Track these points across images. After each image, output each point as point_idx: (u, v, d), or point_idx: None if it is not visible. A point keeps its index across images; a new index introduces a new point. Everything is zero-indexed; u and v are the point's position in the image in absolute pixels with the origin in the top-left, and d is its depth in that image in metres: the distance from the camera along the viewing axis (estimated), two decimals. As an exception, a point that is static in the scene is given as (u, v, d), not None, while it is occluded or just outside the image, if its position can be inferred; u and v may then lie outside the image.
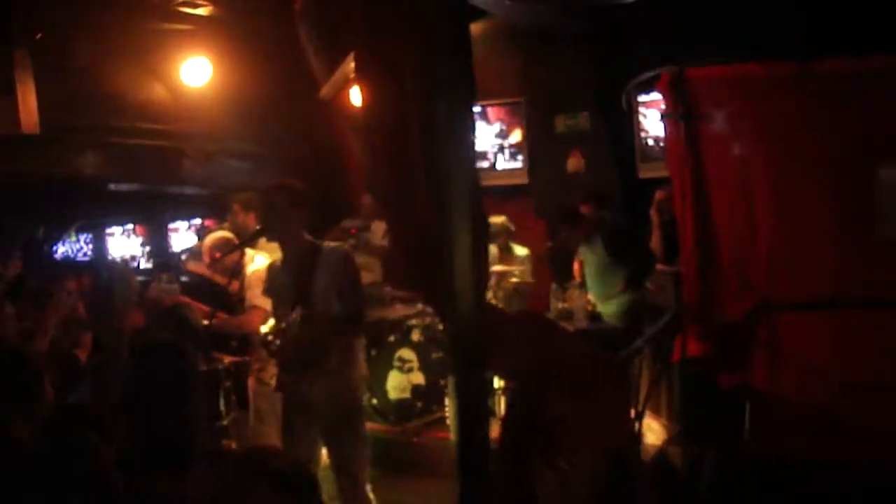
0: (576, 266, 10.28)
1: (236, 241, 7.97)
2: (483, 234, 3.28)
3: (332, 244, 6.67)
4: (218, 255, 7.81)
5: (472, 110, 3.37)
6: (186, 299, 8.01)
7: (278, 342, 6.54)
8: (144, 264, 17.33)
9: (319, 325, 6.30)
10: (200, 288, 8.40)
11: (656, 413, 8.60)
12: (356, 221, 11.15)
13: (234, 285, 7.81)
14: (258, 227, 7.08)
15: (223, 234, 8.27)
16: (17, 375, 4.26)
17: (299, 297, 6.42)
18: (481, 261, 3.25)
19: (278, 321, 6.73)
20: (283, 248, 6.65)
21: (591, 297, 9.57)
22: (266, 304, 7.32)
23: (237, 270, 7.74)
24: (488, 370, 3.38)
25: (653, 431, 8.45)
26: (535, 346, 3.39)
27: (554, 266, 10.52)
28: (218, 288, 8.22)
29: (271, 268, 6.86)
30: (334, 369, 6.41)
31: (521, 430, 3.43)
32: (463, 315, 3.17)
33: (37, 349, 6.74)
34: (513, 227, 10.35)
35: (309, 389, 6.44)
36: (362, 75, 3.67)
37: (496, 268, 9.52)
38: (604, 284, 9.48)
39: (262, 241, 7.27)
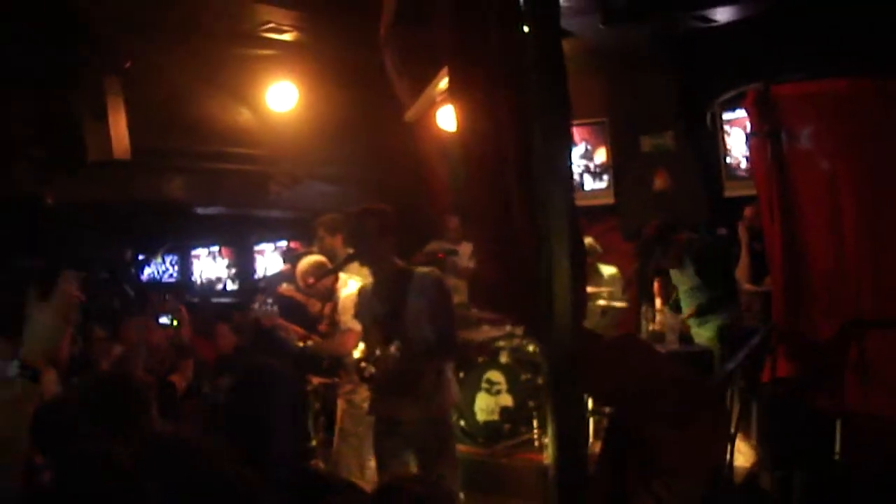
0: (656, 286, 10.22)
1: (328, 266, 8.02)
2: (580, 258, 3.27)
3: (424, 269, 6.69)
4: (311, 280, 7.85)
5: (568, 131, 3.36)
6: (283, 322, 8.10)
7: (371, 369, 6.57)
8: (230, 286, 17.49)
9: (412, 352, 6.33)
10: (291, 310, 8.46)
11: (746, 435, 8.51)
12: (443, 244, 11.18)
13: (327, 308, 7.86)
14: (350, 252, 7.11)
15: (316, 258, 8.31)
16: (123, 401, 4.31)
17: (391, 323, 6.45)
18: (579, 284, 3.24)
19: (369, 346, 6.76)
20: (374, 272, 6.67)
21: (686, 318, 9.50)
22: (359, 326, 7.36)
23: (330, 294, 7.79)
24: (585, 394, 3.37)
25: (742, 454, 8.35)
26: (632, 370, 3.37)
27: (640, 287, 10.47)
28: (309, 311, 8.29)
29: (362, 291, 6.89)
30: (427, 393, 6.43)
31: (618, 454, 3.42)
32: (560, 339, 3.17)
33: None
34: (600, 248, 10.30)
35: (401, 413, 6.46)
36: (456, 98, 3.68)
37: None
38: (696, 306, 9.42)
39: (355, 265, 7.30)
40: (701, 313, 9.31)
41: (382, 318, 6.50)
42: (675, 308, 9.63)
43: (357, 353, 7.23)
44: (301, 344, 7.94)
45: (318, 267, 8.06)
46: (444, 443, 6.63)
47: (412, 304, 6.42)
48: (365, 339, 6.89)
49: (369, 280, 6.86)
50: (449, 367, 6.83)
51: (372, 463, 7.51)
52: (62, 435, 4.22)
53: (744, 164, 11.05)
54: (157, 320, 10.04)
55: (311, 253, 8.67)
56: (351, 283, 7.75)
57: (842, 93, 6.37)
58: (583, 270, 3.32)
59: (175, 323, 9.82)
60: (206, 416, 7.81)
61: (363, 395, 7.52)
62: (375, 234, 6.48)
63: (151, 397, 4.54)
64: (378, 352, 6.47)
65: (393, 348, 6.34)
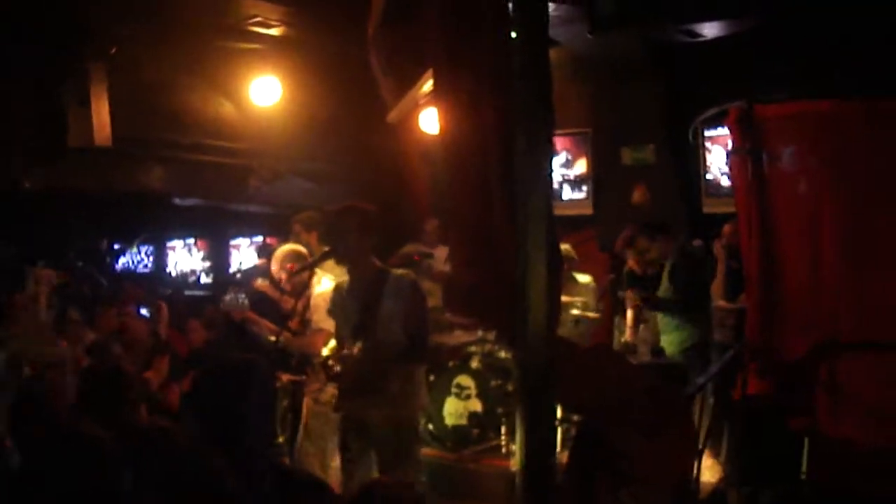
0: (628, 295, 10.22)
1: (306, 255, 8.00)
2: (557, 265, 3.28)
3: (400, 272, 6.69)
4: (290, 266, 7.82)
5: (550, 139, 3.37)
6: (254, 316, 8.06)
7: (338, 367, 6.56)
8: (205, 279, 17.42)
9: (381, 353, 6.32)
10: (264, 307, 8.43)
11: (713, 451, 8.53)
12: (419, 246, 11.17)
13: (300, 305, 7.82)
14: (326, 250, 7.09)
15: (293, 247, 8.27)
16: (113, 392, 4.31)
17: (363, 322, 6.44)
18: (554, 292, 3.25)
19: (339, 343, 6.76)
20: (351, 271, 6.66)
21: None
22: (331, 326, 7.35)
23: (304, 290, 7.75)
24: (556, 402, 3.38)
25: (709, 469, 8.38)
26: (604, 379, 3.38)
27: (614, 298, 10.48)
28: (282, 308, 8.25)
29: (337, 289, 6.87)
30: (395, 395, 6.42)
31: (586, 463, 3.43)
32: (534, 345, 3.17)
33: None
34: (576, 257, 10.30)
35: (368, 413, 6.45)
36: (441, 100, 3.68)
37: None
38: (665, 316, 9.45)
39: (330, 263, 7.28)
40: (667, 310, 9.35)
41: (355, 317, 6.49)
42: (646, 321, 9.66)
43: (325, 351, 7.23)
44: (273, 339, 7.90)
45: (296, 256, 8.03)
46: (409, 446, 6.62)
47: (386, 305, 6.42)
48: (336, 338, 6.88)
49: (345, 279, 6.84)
50: (420, 371, 6.82)
51: (335, 462, 7.50)
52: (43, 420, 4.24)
53: (723, 181, 11.08)
54: (139, 311, 9.99)
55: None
56: (325, 282, 7.72)
57: (825, 113, 6.39)
58: (559, 278, 3.33)
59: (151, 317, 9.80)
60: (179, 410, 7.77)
61: (329, 394, 7.49)
62: (355, 232, 6.46)
63: (139, 391, 4.56)
64: (346, 350, 6.48)
65: (356, 349, 6.34)
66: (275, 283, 8.28)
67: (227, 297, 8.18)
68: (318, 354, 7.55)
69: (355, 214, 6.53)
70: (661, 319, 9.51)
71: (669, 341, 9.39)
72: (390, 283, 6.48)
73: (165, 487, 3.16)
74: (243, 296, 8.17)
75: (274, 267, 8.11)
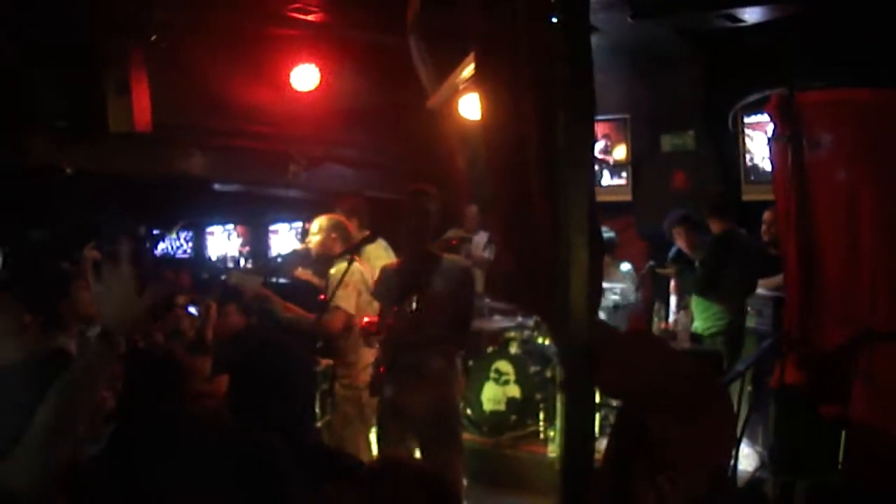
0: (672, 284, 10.22)
1: (345, 224, 8.07)
2: (598, 251, 3.28)
3: (453, 257, 6.73)
4: (335, 235, 7.89)
5: (592, 124, 3.37)
6: (267, 292, 8.09)
7: (380, 336, 6.63)
8: (244, 265, 17.50)
9: (429, 339, 6.36)
10: (303, 295, 8.46)
11: (751, 439, 8.51)
12: (459, 232, 11.19)
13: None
14: (367, 234, 7.15)
15: (334, 217, 8.34)
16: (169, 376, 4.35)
17: (410, 307, 6.48)
18: (595, 277, 3.25)
19: (383, 318, 6.80)
20: (405, 253, 6.72)
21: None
22: (350, 307, 7.40)
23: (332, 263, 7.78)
24: (596, 387, 3.38)
25: (746, 458, 8.36)
26: (644, 365, 3.38)
27: (654, 284, 10.48)
28: (319, 293, 8.29)
29: (385, 270, 6.92)
30: (435, 379, 6.46)
31: (625, 448, 3.43)
32: (575, 331, 3.18)
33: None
34: (617, 242, 10.32)
35: (409, 398, 6.49)
36: (481, 86, 3.68)
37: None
38: (696, 298, 9.46)
39: (369, 248, 7.31)
40: (695, 289, 9.36)
41: (403, 298, 6.54)
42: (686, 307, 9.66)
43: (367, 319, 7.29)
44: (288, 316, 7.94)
45: (337, 223, 8.12)
46: (451, 430, 6.67)
47: (436, 287, 6.46)
48: (381, 317, 6.92)
49: (389, 261, 6.92)
50: (458, 354, 6.86)
51: (371, 447, 7.56)
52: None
53: (764, 168, 11.02)
54: (188, 308, 10.00)
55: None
56: (355, 265, 7.77)
57: (865, 102, 6.34)
58: (600, 263, 3.33)
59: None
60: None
61: (362, 379, 7.55)
62: (423, 213, 6.54)
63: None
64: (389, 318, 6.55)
65: (409, 304, 6.41)
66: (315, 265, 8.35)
67: (235, 276, 8.23)
68: (336, 334, 7.60)
69: (430, 196, 6.60)
70: (693, 301, 9.53)
71: (696, 325, 9.41)
72: (443, 267, 6.53)
73: (221, 470, 3.19)
74: (283, 280, 8.21)
75: (320, 237, 8.14)
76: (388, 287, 6.79)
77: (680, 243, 9.96)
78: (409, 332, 6.47)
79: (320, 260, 8.21)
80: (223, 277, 9.08)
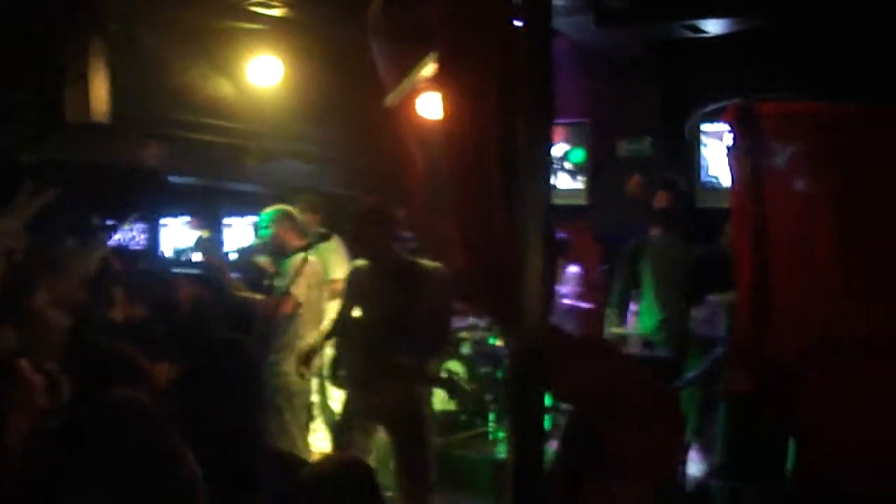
0: None
1: (295, 216, 8.24)
2: (553, 254, 3.29)
3: (430, 264, 6.76)
4: (287, 225, 7.95)
5: (550, 128, 3.38)
6: (224, 266, 8.13)
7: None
8: (197, 257, 17.39)
9: (415, 346, 6.45)
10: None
11: (700, 445, 8.56)
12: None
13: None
14: (324, 231, 7.19)
15: (283, 207, 8.45)
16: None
17: (398, 318, 6.53)
18: (549, 280, 3.26)
19: (344, 324, 6.86)
20: (377, 264, 6.76)
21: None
22: (301, 296, 7.44)
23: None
24: (547, 390, 3.39)
25: (695, 464, 8.42)
26: (595, 370, 3.39)
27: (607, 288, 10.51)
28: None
29: (356, 272, 6.95)
30: (413, 378, 6.55)
31: (575, 452, 3.44)
32: (528, 333, 3.18)
33: None
34: (570, 244, 10.36)
35: (382, 397, 6.58)
36: (443, 86, 3.68)
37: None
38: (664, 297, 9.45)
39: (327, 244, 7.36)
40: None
41: (384, 306, 6.60)
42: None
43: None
44: (240, 294, 7.98)
45: (287, 215, 8.19)
46: (424, 430, 6.77)
47: (420, 297, 6.53)
48: (343, 319, 6.97)
49: (357, 263, 6.96)
50: (436, 358, 6.99)
51: (312, 439, 7.64)
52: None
53: (718, 177, 11.10)
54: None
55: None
56: (311, 259, 7.81)
57: (823, 115, 6.39)
58: (554, 266, 3.34)
59: None
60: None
61: (290, 365, 7.59)
62: (375, 229, 6.60)
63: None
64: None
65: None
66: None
67: (203, 247, 8.24)
68: (279, 322, 7.65)
69: (373, 212, 6.65)
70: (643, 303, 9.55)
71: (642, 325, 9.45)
72: (423, 277, 6.58)
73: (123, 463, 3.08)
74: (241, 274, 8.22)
75: (272, 230, 8.16)
76: (362, 293, 6.85)
77: (662, 202, 9.94)
78: (388, 334, 6.52)
79: (275, 252, 8.22)
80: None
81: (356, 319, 6.91)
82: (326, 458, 4.62)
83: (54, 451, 3.39)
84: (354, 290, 6.98)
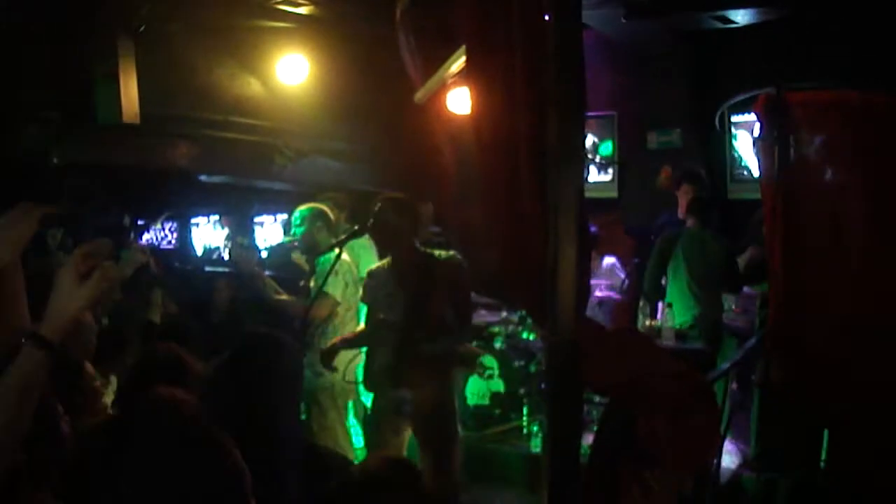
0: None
1: (328, 213, 8.31)
2: (586, 247, 3.29)
3: (447, 255, 6.77)
4: (319, 224, 7.98)
5: (582, 121, 3.38)
6: (261, 272, 8.15)
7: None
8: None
9: (437, 337, 6.47)
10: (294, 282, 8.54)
11: (735, 437, 8.55)
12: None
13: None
14: (355, 228, 7.19)
15: (317, 205, 8.44)
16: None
17: (416, 310, 6.56)
18: (583, 273, 3.27)
19: (375, 327, 6.88)
20: (393, 257, 6.77)
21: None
22: (338, 295, 7.45)
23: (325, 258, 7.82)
24: (583, 383, 3.39)
25: (730, 455, 8.40)
26: (629, 362, 3.39)
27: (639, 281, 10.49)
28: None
29: (373, 273, 6.96)
30: (437, 372, 6.56)
31: (611, 445, 3.44)
32: (562, 326, 3.19)
33: None
34: (602, 237, 10.34)
35: (414, 391, 6.58)
36: (473, 80, 3.69)
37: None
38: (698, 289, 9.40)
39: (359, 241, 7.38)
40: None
41: (405, 302, 6.61)
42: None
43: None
44: (278, 297, 8.01)
45: (322, 214, 8.22)
46: (451, 425, 6.78)
47: (438, 289, 6.53)
48: (371, 322, 6.99)
49: (377, 264, 6.98)
50: (460, 350, 6.98)
51: (351, 438, 7.66)
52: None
53: (750, 167, 11.06)
54: None
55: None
56: (343, 256, 7.81)
57: (853, 105, 6.36)
58: (587, 259, 3.34)
59: None
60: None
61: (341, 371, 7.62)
62: (394, 223, 6.61)
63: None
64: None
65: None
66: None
67: (236, 253, 8.26)
68: (320, 323, 7.66)
69: (392, 205, 6.66)
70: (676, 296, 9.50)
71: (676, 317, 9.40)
72: (440, 268, 6.59)
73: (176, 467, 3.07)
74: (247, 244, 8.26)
75: (304, 228, 8.20)
76: (381, 293, 6.86)
77: (681, 200, 9.93)
78: (411, 330, 6.55)
79: (308, 251, 8.25)
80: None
81: (381, 321, 6.92)
82: (374, 459, 4.60)
83: (104, 447, 3.41)
84: (375, 292, 6.99)
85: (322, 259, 7.77)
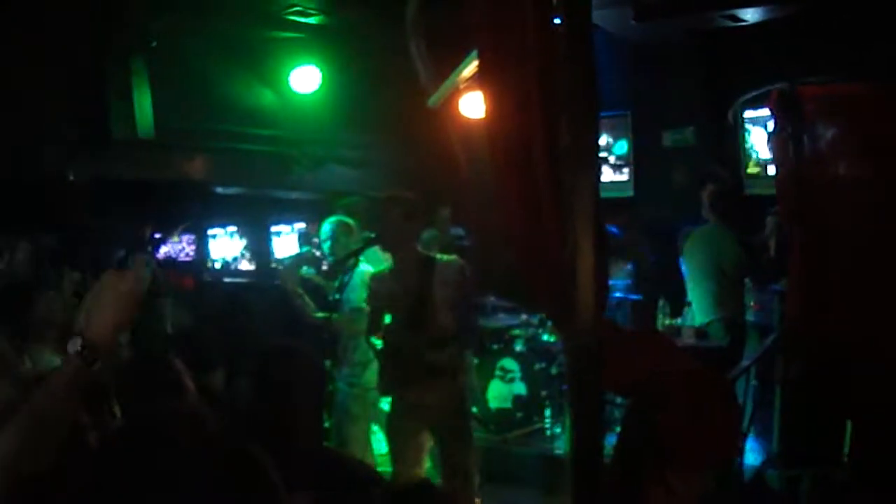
0: None
1: (353, 228, 8.29)
2: (604, 249, 3.30)
3: (447, 257, 6.77)
4: (344, 238, 8.04)
5: (596, 122, 3.39)
6: (299, 290, 8.16)
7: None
8: (246, 266, 17.47)
9: (439, 341, 6.44)
10: (312, 294, 8.54)
11: (757, 433, 8.53)
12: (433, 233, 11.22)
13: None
14: (372, 236, 7.20)
15: (343, 218, 8.47)
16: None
17: (416, 311, 6.54)
18: (602, 274, 3.27)
19: (377, 330, 6.88)
20: (396, 259, 6.76)
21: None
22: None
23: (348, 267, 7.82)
24: (604, 385, 3.40)
25: (753, 452, 8.38)
26: (650, 362, 3.39)
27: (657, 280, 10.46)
28: (326, 294, 8.35)
29: (376, 278, 6.95)
30: (446, 374, 6.53)
31: (633, 445, 3.45)
32: (582, 327, 3.19)
33: None
34: (620, 238, 10.33)
35: (424, 396, 6.56)
36: (485, 84, 3.71)
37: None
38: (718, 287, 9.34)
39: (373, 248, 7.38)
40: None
41: (406, 306, 6.59)
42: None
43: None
44: (318, 315, 8.02)
45: (347, 227, 8.22)
46: (465, 427, 6.77)
47: (438, 291, 6.52)
48: (373, 324, 6.98)
49: (382, 267, 6.97)
50: (468, 353, 6.95)
51: (374, 445, 7.66)
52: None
53: (765, 163, 11.03)
54: None
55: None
56: (362, 265, 7.80)
57: (866, 97, 6.35)
58: (605, 260, 3.35)
59: None
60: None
61: (367, 378, 7.62)
62: (399, 221, 6.57)
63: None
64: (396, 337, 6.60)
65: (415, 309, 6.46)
66: (320, 265, 8.41)
67: (285, 268, 8.28)
68: (357, 335, 7.65)
69: (399, 203, 6.63)
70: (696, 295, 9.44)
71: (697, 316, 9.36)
72: (439, 270, 6.57)
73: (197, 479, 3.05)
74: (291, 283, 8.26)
75: (331, 242, 8.22)
76: (384, 296, 6.84)
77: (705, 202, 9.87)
78: (416, 334, 6.53)
79: (336, 264, 8.26)
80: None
81: (388, 325, 6.92)
82: (402, 483, 4.60)
83: (124, 455, 3.41)
84: (379, 296, 6.98)
85: (353, 273, 7.79)
